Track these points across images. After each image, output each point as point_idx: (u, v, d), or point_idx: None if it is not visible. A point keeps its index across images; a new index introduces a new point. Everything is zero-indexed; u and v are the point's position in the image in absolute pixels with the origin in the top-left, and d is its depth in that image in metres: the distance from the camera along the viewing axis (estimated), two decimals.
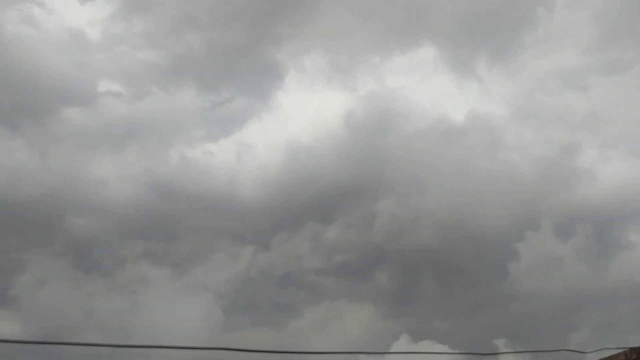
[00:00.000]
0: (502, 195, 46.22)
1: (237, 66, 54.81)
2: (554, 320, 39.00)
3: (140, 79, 53.30)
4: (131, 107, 51.46)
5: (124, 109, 51.08)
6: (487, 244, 44.05)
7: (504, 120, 51.66)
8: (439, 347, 30.81)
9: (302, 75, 56.52)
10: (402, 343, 32.79)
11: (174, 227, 48.49)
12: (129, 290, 41.46)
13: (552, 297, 39.67)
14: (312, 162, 50.94)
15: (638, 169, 46.54)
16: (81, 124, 49.28)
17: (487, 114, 50.90)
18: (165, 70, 52.88)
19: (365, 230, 46.46)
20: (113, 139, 52.38)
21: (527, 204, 45.71)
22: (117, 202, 47.25)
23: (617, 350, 9.38)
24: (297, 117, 59.48)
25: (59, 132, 47.98)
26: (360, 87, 58.58)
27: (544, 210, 44.70)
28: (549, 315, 39.28)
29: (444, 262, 44.68)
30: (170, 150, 52.10)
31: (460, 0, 52.44)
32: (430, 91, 58.62)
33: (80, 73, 50.25)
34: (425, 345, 32.40)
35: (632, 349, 9.19)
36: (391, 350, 31.39)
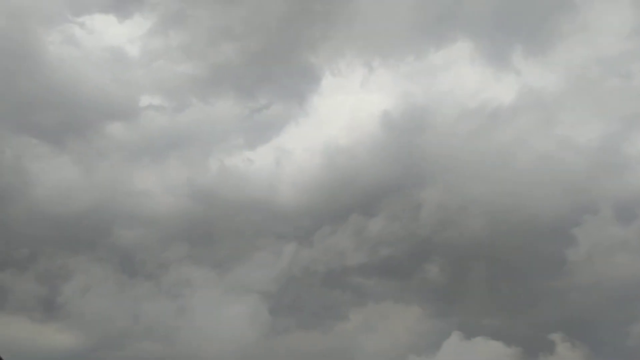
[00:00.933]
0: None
1: (273, 72, 55.19)
2: (614, 312, 37.56)
3: (180, 91, 54.22)
4: (172, 119, 52.46)
5: (165, 122, 52.11)
6: (542, 231, 42.69)
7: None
8: (493, 344, 30.07)
9: (338, 78, 56.36)
10: (454, 340, 32.03)
11: (215, 232, 48.96)
12: (173, 293, 42.21)
13: (612, 286, 38.13)
14: (350, 164, 50.73)
15: None
16: (124, 138, 50.46)
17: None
18: (203, 81, 53.63)
19: (410, 222, 45.71)
20: (155, 151, 53.44)
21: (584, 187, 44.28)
22: (161, 213, 48.11)
23: None
24: (334, 120, 59.21)
25: (103, 147, 49.24)
26: (396, 86, 58.09)
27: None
28: (609, 306, 37.80)
29: (495, 253, 43.28)
30: (210, 159, 52.74)
31: None
32: (467, 86, 57.41)
33: (122, 89, 51.49)
34: (479, 342, 31.62)
35: None
36: (442, 348, 30.81)
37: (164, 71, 53.34)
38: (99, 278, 42.00)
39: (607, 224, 40.34)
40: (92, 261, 43.31)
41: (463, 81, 54.49)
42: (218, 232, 48.98)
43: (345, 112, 58.76)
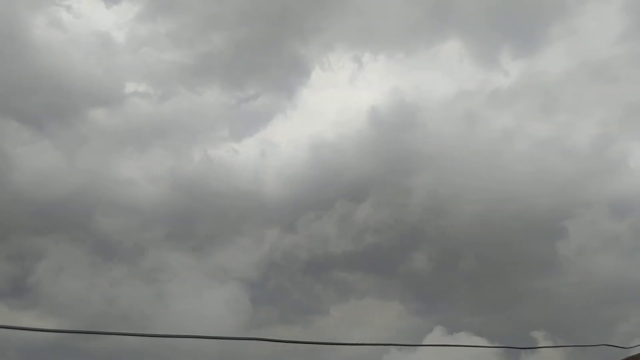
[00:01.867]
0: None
1: (263, 63, 54.66)
2: (600, 311, 37.78)
3: (166, 79, 53.59)
4: (157, 107, 51.79)
5: (150, 109, 51.40)
6: (532, 226, 42.82)
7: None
8: (476, 340, 30.02)
9: (327, 72, 56.15)
10: (436, 335, 31.97)
11: (196, 217, 48.56)
12: (151, 278, 41.52)
13: (600, 285, 38.37)
14: (337, 159, 50.53)
15: None
16: (108, 124, 49.70)
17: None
18: (190, 70, 52.99)
19: (399, 210, 45.46)
20: (139, 139, 52.83)
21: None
22: (143, 202, 47.55)
23: None
24: (322, 114, 59.10)
25: (86, 133, 48.46)
26: (385, 83, 58.05)
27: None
28: (596, 305, 38.03)
29: (483, 248, 43.58)
30: (194, 149, 52.27)
31: None
32: (455, 84, 57.50)
33: (107, 75, 50.67)
34: (462, 337, 31.57)
35: None
36: (425, 343, 30.71)
37: (151, 58, 52.64)
38: (72, 259, 41.20)
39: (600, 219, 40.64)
40: (66, 242, 42.55)
41: (452, 79, 54.81)
42: (199, 217, 48.51)
43: (333, 106, 58.66)
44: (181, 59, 52.29)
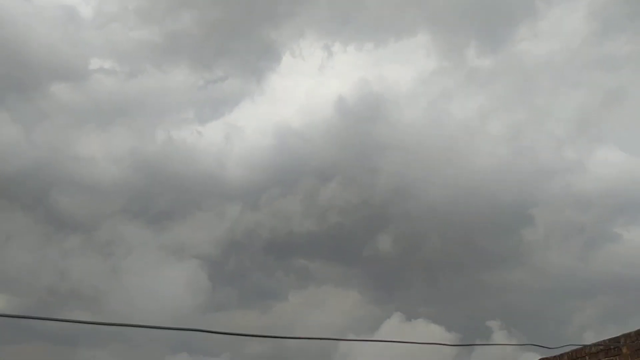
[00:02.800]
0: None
1: (233, 45, 54.20)
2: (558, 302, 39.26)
3: (133, 57, 52.70)
4: (122, 85, 50.93)
5: (114, 87, 50.53)
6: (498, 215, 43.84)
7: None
8: (434, 327, 30.72)
9: (297, 59, 56.10)
10: (394, 321, 32.47)
11: (157, 197, 48.17)
12: (105, 252, 40.77)
13: (559, 276, 39.90)
14: (302, 147, 50.70)
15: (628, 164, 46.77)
16: (70, 100, 48.70)
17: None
18: (158, 48, 52.17)
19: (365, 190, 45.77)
20: (101, 117, 51.94)
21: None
22: (102, 181, 46.92)
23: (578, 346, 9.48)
24: (289, 101, 59.11)
25: (46, 108, 47.39)
26: (353, 73, 58.38)
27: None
28: (553, 297, 39.52)
29: (442, 241, 44.37)
30: (158, 129, 51.74)
31: None
32: (422, 77, 58.26)
33: (72, 49, 49.48)
34: (420, 323, 32.17)
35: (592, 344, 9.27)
36: (382, 328, 31.16)
37: (118, 35, 51.68)
38: (21, 228, 40.23)
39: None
40: (15, 210, 41.61)
41: (419, 72, 55.53)
42: (158, 194, 48.08)
43: (301, 94, 58.69)
44: (149, 37, 51.47)
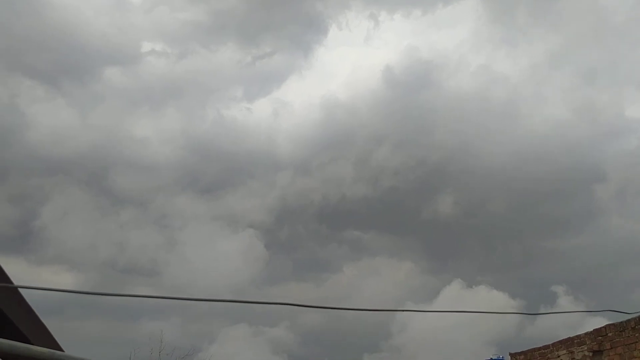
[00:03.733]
0: None
1: (278, 20, 54.26)
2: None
3: (182, 38, 53.49)
4: (173, 67, 51.88)
5: (165, 69, 51.53)
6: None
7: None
8: (496, 294, 30.03)
9: (344, 31, 55.49)
10: (455, 288, 31.98)
11: (210, 171, 49.00)
12: (161, 224, 41.46)
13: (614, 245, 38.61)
14: (349, 120, 50.47)
15: None
16: (123, 83, 50.00)
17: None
18: (205, 28, 52.90)
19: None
20: (154, 99, 53.10)
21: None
22: (156, 161, 48.19)
23: None
24: (336, 74, 58.71)
25: (101, 92, 48.82)
26: (400, 41, 57.21)
27: None
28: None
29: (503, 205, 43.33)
30: (208, 108, 52.51)
31: None
32: (472, 43, 56.61)
33: (122, 34, 50.76)
34: (481, 290, 31.50)
35: None
36: (442, 296, 30.68)
37: (166, 17, 52.50)
38: (78, 202, 41.37)
39: None
40: (71, 183, 43.04)
41: (469, 38, 53.90)
42: (210, 169, 48.98)
43: (348, 66, 58.12)
44: (196, 17, 52.12)
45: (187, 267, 37.32)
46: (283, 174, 46.40)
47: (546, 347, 11.92)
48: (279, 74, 58.89)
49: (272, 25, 56.65)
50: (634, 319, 9.63)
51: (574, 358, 10.90)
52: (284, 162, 50.36)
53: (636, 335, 9.42)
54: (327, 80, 59.81)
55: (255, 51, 54.55)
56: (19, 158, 44.17)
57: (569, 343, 11.17)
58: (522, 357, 12.75)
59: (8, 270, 3.76)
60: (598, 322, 10.55)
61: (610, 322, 10.15)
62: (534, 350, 12.36)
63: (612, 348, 9.95)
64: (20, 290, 4.19)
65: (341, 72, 59.92)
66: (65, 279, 41.26)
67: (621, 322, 9.73)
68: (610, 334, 10.03)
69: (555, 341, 11.64)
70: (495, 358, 17.79)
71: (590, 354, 10.44)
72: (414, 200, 46.74)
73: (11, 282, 3.80)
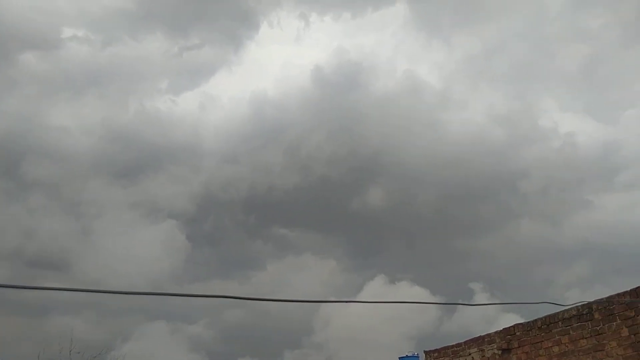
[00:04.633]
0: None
1: (210, 12, 53.19)
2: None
3: (107, 25, 51.32)
4: (96, 54, 49.71)
5: (88, 56, 49.30)
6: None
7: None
8: (418, 290, 30.98)
9: (275, 29, 55.31)
10: (378, 283, 32.54)
11: (129, 156, 47.40)
12: (75, 212, 39.35)
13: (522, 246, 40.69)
14: (278, 116, 50.40)
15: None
16: (41, 69, 47.37)
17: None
18: (133, 15, 50.93)
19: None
20: (74, 86, 50.67)
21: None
22: (74, 150, 46.07)
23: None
24: (266, 70, 58.46)
25: (15, 77, 46.02)
26: (330, 42, 57.82)
27: None
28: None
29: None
30: (131, 98, 50.79)
31: None
32: (399, 47, 58.06)
33: (43, 18, 47.92)
34: (403, 286, 32.33)
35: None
36: (365, 291, 31.23)
37: (91, 3, 50.25)
38: None
39: None
40: None
41: (396, 43, 55.23)
42: (130, 158, 47.37)
43: (278, 63, 57.98)
44: (124, 4, 50.13)
45: (101, 259, 35.66)
46: (208, 160, 45.41)
47: (459, 345, 12.37)
48: (207, 67, 57.80)
49: (203, 17, 55.49)
50: (541, 319, 10.17)
51: (485, 356, 11.39)
52: (210, 150, 49.49)
53: (542, 335, 9.98)
54: (257, 77, 59.42)
55: (183, 42, 53.24)
56: None
57: (480, 341, 11.66)
58: (436, 354, 13.16)
59: None
60: (510, 318, 11.11)
61: (518, 323, 10.70)
62: (447, 348, 12.79)
63: (520, 347, 10.49)
64: None
65: (271, 69, 59.74)
66: None
67: (528, 321, 10.28)
68: (518, 333, 10.56)
69: (467, 339, 12.12)
70: (410, 355, 18.21)
71: (500, 352, 10.95)
72: (344, 191, 47.36)
73: None
